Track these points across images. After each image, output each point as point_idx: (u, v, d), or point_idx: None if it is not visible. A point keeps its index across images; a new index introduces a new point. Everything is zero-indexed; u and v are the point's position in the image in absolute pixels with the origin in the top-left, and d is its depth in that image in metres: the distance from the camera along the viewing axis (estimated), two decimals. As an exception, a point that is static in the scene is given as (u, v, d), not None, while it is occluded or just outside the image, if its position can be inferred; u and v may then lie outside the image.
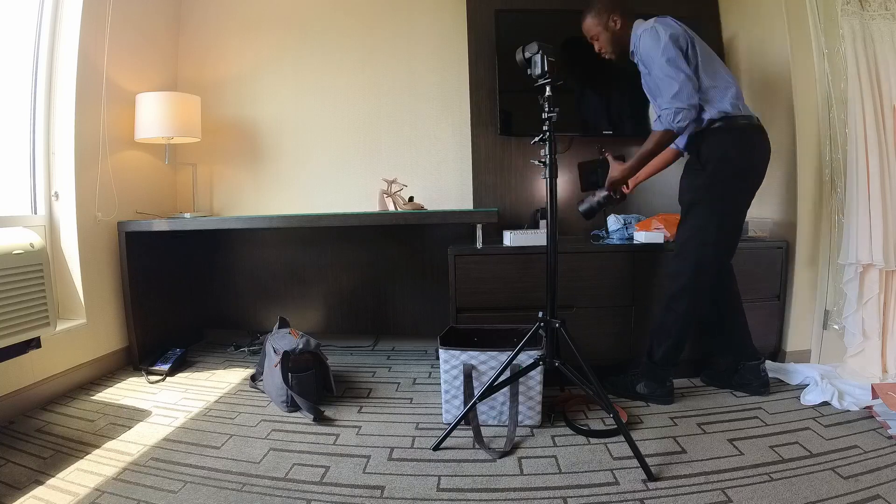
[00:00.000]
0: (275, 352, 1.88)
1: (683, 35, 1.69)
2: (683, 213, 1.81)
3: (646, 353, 1.85)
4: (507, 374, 1.59)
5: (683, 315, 1.77)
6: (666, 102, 1.63)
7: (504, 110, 2.42)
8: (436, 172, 2.63)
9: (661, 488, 1.29)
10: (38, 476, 1.38)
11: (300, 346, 1.85)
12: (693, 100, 1.61)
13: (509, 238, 2.11)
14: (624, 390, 1.88)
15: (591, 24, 1.84)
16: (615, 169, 1.84)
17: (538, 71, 1.57)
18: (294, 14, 2.66)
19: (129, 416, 1.78)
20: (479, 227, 2.08)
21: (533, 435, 1.61)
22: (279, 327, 2.11)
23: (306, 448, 1.55)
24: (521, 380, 1.62)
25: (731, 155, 1.67)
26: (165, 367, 2.20)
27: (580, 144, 2.52)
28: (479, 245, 2.07)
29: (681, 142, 1.85)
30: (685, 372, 2.09)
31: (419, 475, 1.39)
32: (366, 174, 2.64)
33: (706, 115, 1.69)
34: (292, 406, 1.80)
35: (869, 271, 1.94)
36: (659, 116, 1.68)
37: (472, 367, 1.66)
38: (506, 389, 1.63)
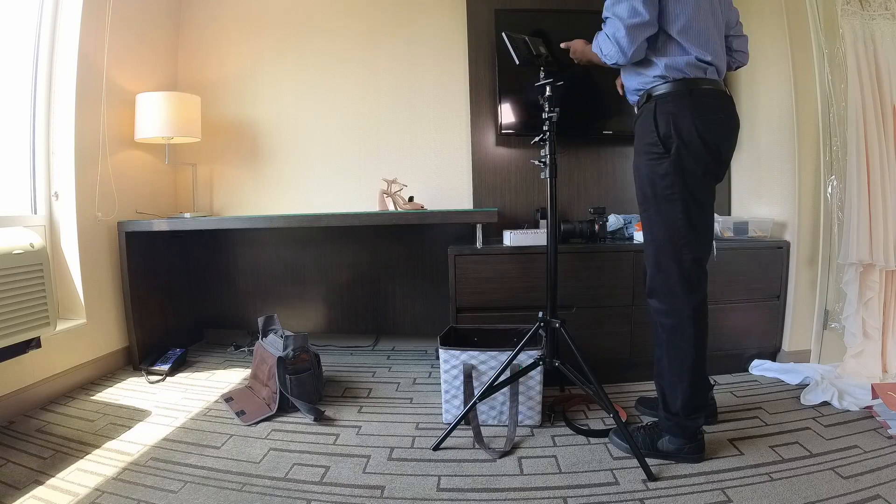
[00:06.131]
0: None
1: None
2: (643, 210, 1.44)
3: (660, 407, 1.46)
4: (507, 374, 1.59)
5: (692, 347, 1.39)
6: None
7: (504, 110, 2.42)
8: (436, 172, 2.63)
9: (661, 488, 1.30)
10: (38, 476, 1.38)
11: (292, 348, 1.84)
12: (646, 14, 1.28)
13: (509, 238, 2.11)
14: (646, 449, 1.44)
15: None
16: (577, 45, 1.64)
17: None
18: (294, 14, 2.66)
19: (129, 416, 1.78)
20: (479, 227, 2.08)
21: (533, 435, 1.61)
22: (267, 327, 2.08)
23: (306, 448, 1.55)
24: (521, 380, 1.62)
25: (700, 131, 1.33)
26: (165, 367, 2.20)
27: (579, 145, 2.53)
28: (479, 245, 2.07)
29: (631, 97, 1.53)
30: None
31: (419, 475, 1.39)
32: (366, 174, 2.64)
33: (657, 72, 1.37)
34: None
35: (869, 271, 1.94)
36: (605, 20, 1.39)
37: (472, 367, 1.66)
38: (506, 389, 1.63)
